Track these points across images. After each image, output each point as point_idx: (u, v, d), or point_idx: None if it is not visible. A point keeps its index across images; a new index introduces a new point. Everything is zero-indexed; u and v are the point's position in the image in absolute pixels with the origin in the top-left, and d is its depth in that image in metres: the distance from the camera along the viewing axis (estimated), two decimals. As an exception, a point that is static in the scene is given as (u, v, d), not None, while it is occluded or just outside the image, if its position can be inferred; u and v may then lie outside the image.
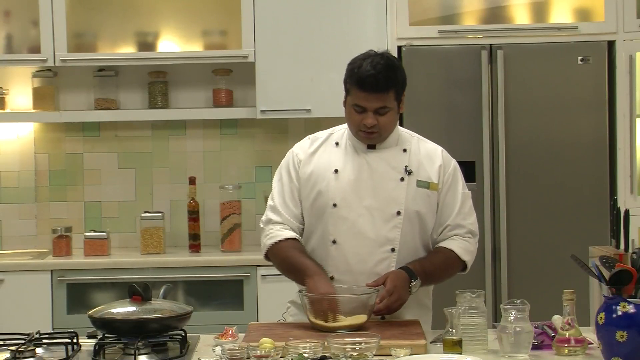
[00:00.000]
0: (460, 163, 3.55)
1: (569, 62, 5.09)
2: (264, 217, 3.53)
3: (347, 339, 2.89)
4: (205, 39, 5.54)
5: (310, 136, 3.56)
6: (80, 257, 5.29)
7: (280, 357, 2.83)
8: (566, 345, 2.94)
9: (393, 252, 3.38)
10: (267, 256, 3.51)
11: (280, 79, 5.29)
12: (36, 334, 3.12)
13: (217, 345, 2.98)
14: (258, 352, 2.82)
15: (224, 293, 5.16)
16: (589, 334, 3.02)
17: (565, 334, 2.95)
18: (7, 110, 5.53)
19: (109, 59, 5.44)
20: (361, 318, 3.22)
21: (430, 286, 3.53)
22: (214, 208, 5.52)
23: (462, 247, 3.44)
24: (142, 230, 5.37)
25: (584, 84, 5.09)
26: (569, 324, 2.95)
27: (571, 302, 2.96)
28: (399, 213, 3.38)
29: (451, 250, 3.43)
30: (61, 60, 5.33)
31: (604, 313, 2.75)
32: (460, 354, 2.89)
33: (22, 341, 3.04)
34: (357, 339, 2.89)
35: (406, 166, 3.43)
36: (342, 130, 3.53)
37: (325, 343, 2.86)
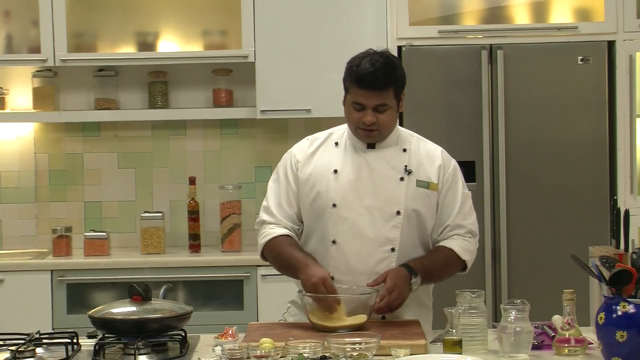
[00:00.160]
0: (460, 163, 3.56)
1: (569, 62, 5.09)
2: (258, 219, 3.54)
3: (347, 339, 2.89)
4: (205, 39, 5.54)
5: (310, 137, 3.56)
6: (80, 257, 5.29)
7: (280, 357, 2.83)
8: (566, 345, 2.94)
9: (393, 251, 3.38)
10: (263, 256, 3.52)
11: (280, 79, 5.29)
12: (36, 334, 3.12)
13: (217, 345, 2.98)
14: (258, 352, 2.82)
15: (224, 293, 5.16)
16: (589, 334, 3.02)
17: (565, 334, 2.95)
18: (7, 110, 5.53)
19: (109, 59, 5.44)
20: (361, 318, 3.22)
21: (431, 286, 3.53)
22: (214, 208, 5.52)
23: (462, 246, 3.44)
24: (142, 230, 5.37)
25: (584, 84, 5.09)
26: (569, 324, 2.95)
27: (571, 302, 2.96)
28: (398, 213, 3.38)
29: (451, 250, 3.43)
30: (61, 60, 5.33)
31: (604, 313, 2.75)
32: (460, 354, 2.89)
33: (22, 341, 3.04)
34: (357, 339, 2.89)
35: (406, 166, 3.43)
36: (341, 130, 3.53)
37: (325, 343, 2.86)
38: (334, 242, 3.39)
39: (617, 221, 3.25)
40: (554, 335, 3.00)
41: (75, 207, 5.62)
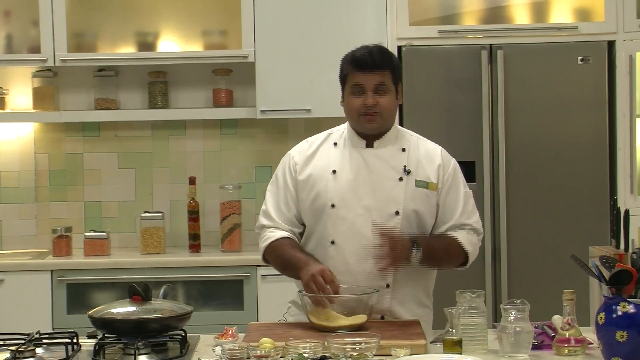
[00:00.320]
0: (460, 163, 3.55)
1: (569, 62, 5.09)
2: (257, 223, 3.54)
3: (347, 339, 2.89)
4: (205, 39, 5.54)
5: (309, 139, 3.57)
6: (80, 257, 5.29)
7: (280, 357, 2.83)
8: (566, 345, 2.94)
9: (393, 252, 3.38)
10: (265, 259, 3.52)
11: (280, 79, 5.29)
12: (36, 334, 3.12)
13: (217, 345, 2.98)
14: (258, 352, 2.82)
15: (224, 293, 5.15)
16: (589, 334, 3.02)
17: (565, 334, 2.95)
18: (7, 110, 5.53)
19: (109, 59, 5.44)
20: (361, 318, 3.22)
21: (431, 286, 3.53)
22: (214, 208, 5.52)
23: (466, 238, 3.43)
24: (142, 230, 5.37)
25: (584, 84, 5.09)
26: (569, 324, 2.95)
27: (571, 302, 2.96)
28: (397, 213, 3.38)
29: (455, 238, 3.42)
30: (61, 60, 5.33)
31: (604, 313, 2.75)
32: (460, 354, 2.89)
33: (22, 341, 3.04)
34: (357, 339, 2.89)
35: (405, 166, 3.43)
36: (340, 131, 3.53)
37: (325, 343, 2.86)
38: (332, 242, 3.39)
39: (617, 221, 3.25)
40: (554, 335, 3.00)
41: (75, 207, 5.62)
